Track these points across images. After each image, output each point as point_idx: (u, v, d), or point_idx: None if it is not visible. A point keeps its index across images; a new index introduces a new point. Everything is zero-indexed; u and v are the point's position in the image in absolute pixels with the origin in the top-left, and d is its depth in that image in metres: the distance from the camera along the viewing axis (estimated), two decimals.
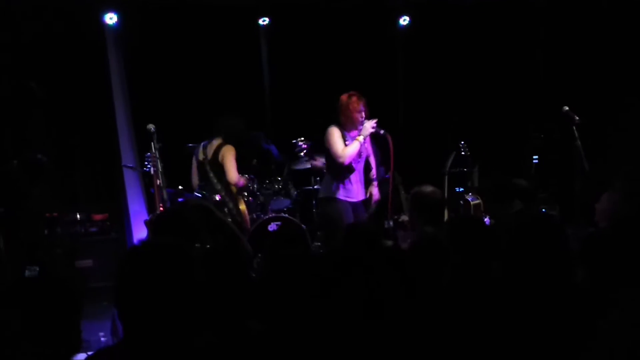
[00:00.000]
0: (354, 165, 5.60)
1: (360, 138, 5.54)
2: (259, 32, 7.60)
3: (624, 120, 7.05)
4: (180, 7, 7.15)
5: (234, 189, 6.09)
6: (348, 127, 5.62)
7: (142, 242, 2.23)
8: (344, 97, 5.63)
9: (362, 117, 5.58)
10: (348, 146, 5.53)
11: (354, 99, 5.58)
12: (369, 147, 5.81)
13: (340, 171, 5.60)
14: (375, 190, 5.86)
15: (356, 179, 5.65)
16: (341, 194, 5.59)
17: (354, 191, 5.64)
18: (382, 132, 5.61)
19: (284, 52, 7.61)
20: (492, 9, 7.86)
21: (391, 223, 5.71)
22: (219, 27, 7.29)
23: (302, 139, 6.71)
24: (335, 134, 5.57)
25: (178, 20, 7.15)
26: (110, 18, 6.86)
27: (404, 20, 7.92)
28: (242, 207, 6.16)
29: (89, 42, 6.90)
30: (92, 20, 6.86)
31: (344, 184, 5.60)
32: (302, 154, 6.72)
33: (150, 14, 7.06)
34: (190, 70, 7.23)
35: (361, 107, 5.58)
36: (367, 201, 5.83)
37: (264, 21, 7.49)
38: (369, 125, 5.54)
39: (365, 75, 7.52)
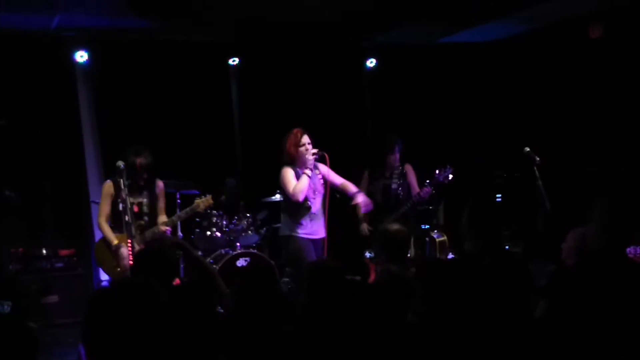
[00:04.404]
0: (309, 202, 5.49)
1: (307, 171, 5.43)
2: (229, 72, 7.70)
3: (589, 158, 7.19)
4: (150, 46, 7.23)
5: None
6: (299, 164, 5.50)
7: (115, 281, 2.28)
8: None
9: (306, 151, 5.46)
10: (297, 183, 5.43)
11: (294, 132, 5.50)
12: (320, 184, 5.62)
13: (295, 210, 5.51)
14: (360, 198, 5.63)
15: (313, 216, 5.55)
16: (299, 232, 5.50)
17: (311, 229, 5.54)
18: (319, 153, 5.47)
19: (254, 91, 7.71)
20: (455, 52, 8.12)
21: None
22: (189, 66, 7.37)
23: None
24: (287, 173, 5.49)
25: (149, 59, 7.22)
26: (81, 56, 6.89)
27: (371, 62, 8.13)
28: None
29: (59, 79, 6.93)
30: (63, 58, 6.89)
31: (300, 222, 5.50)
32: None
33: (121, 52, 7.12)
34: (161, 109, 7.27)
35: (304, 140, 5.47)
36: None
37: (233, 61, 7.60)
38: (309, 155, 5.44)
39: (334, 115, 7.68)
